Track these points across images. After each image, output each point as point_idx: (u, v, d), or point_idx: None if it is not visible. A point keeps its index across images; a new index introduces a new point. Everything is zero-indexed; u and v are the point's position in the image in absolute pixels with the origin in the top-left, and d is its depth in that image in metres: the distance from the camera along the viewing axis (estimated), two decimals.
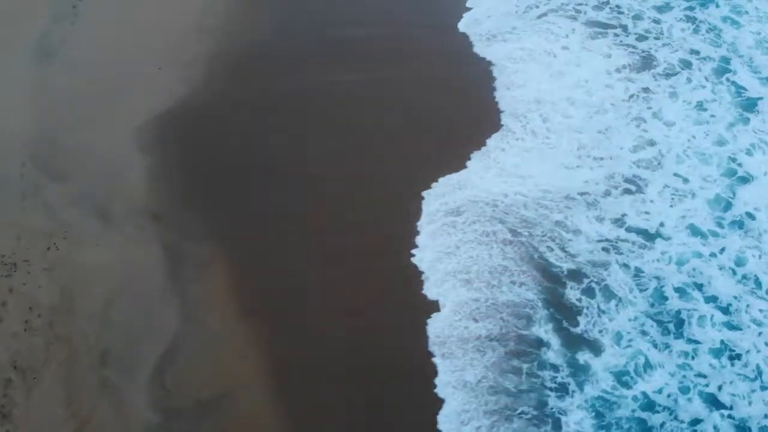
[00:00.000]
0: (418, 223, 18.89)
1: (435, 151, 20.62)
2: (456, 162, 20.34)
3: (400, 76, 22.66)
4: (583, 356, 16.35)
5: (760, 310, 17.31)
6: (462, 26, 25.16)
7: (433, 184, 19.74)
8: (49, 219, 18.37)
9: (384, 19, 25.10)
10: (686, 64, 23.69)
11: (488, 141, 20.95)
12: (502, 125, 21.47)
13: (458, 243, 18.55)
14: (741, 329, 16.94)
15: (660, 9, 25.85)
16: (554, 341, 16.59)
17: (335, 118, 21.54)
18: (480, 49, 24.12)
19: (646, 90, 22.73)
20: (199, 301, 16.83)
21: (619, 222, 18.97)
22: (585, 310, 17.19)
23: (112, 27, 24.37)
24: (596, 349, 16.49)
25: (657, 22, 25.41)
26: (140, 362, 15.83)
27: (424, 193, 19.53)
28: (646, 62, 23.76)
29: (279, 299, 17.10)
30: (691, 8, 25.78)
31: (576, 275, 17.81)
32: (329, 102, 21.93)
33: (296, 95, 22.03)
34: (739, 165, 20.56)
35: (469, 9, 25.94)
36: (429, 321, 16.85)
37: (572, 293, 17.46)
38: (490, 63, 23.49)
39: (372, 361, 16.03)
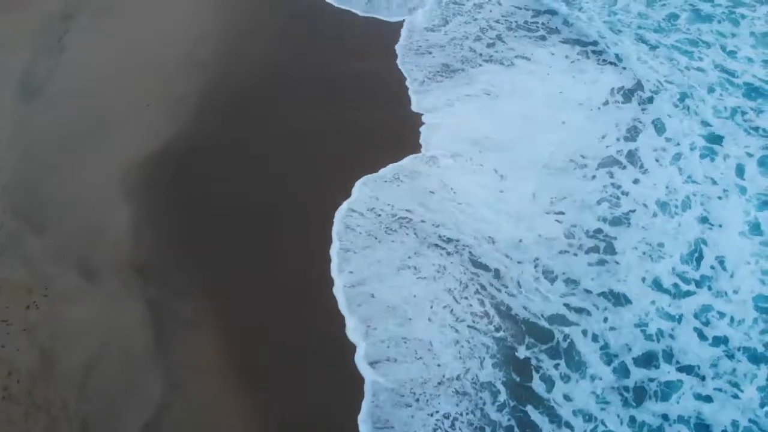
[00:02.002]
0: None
1: None
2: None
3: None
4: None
5: (733, 370, 16.43)
6: (403, 60, 24.23)
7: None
8: (29, 274, 17.70)
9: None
10: (658, 93, 22.85)
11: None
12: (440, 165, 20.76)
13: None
14: (713, 399, 15.94)
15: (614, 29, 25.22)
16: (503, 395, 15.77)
17: (327, 159, 20.89)
18: (420, 89, 23.14)
19: (628, 125, 21.82)
20: (186, 366, 16.13)
21: (574, 283, 17.91)
22: (540, 373, 16.17)
23: (99, 61, 23.71)
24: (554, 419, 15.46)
25: (616, 44, 24.68)
26: None
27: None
28: (630, 91, 22.97)
29: (275, 363, 16.33)
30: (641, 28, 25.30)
31: (529, 332, 16.87)
32: (322, 143, 21.24)
33: (291, 136, 21.29)
34: (709, 212, 19.56)
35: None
36: None
37: (523, 351, 16.51)
38: (437, 102, 22.60)
39: None
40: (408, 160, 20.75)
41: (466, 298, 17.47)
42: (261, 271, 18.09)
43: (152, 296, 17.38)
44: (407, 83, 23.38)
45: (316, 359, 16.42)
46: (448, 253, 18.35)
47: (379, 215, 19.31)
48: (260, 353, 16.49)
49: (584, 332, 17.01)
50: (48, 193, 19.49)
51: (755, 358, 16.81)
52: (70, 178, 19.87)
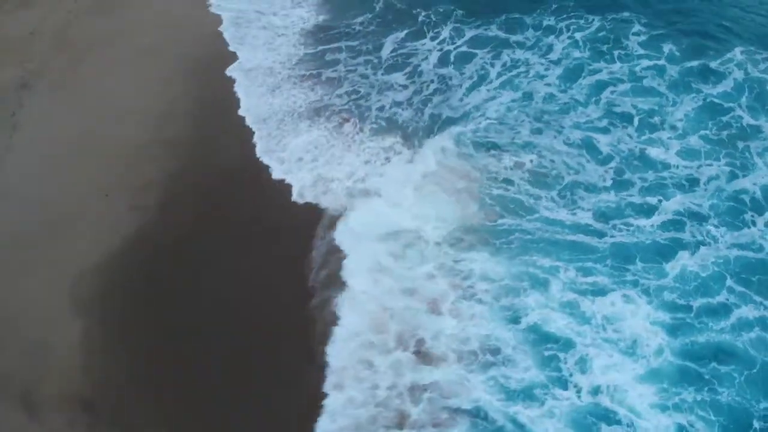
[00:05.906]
0: None
1: None
2: None
3: None
4: None
5: None
6: None
7: None
8: None
9: None
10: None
11: None
12: None
13: None
14: None
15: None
16: None
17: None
18: None
19: None
20: None
21: None
22: None
23: (54, 141, 21.49)
24: None
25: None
26: None
27: None
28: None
29: None
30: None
31: None
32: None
33: (266, 229, 18.97)
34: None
35: None
36: None
37: None
38: None
39: None
40: None
41: None
42: (238, 405, 15.46)
43: None
44: None
45: None
46: None
47: None
48: None
49: None
50: None
51: None
52: (14, 288, 17.54)
